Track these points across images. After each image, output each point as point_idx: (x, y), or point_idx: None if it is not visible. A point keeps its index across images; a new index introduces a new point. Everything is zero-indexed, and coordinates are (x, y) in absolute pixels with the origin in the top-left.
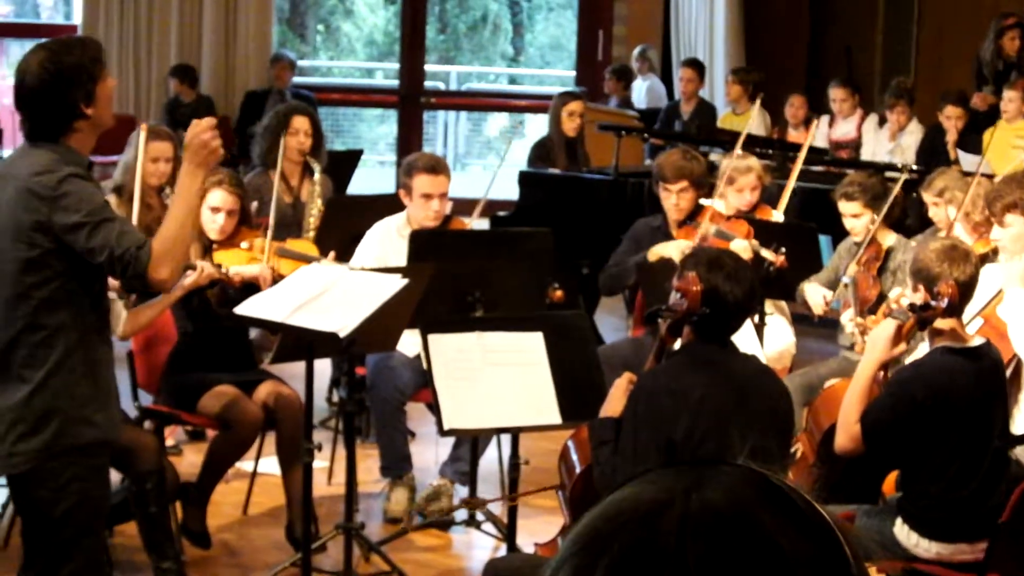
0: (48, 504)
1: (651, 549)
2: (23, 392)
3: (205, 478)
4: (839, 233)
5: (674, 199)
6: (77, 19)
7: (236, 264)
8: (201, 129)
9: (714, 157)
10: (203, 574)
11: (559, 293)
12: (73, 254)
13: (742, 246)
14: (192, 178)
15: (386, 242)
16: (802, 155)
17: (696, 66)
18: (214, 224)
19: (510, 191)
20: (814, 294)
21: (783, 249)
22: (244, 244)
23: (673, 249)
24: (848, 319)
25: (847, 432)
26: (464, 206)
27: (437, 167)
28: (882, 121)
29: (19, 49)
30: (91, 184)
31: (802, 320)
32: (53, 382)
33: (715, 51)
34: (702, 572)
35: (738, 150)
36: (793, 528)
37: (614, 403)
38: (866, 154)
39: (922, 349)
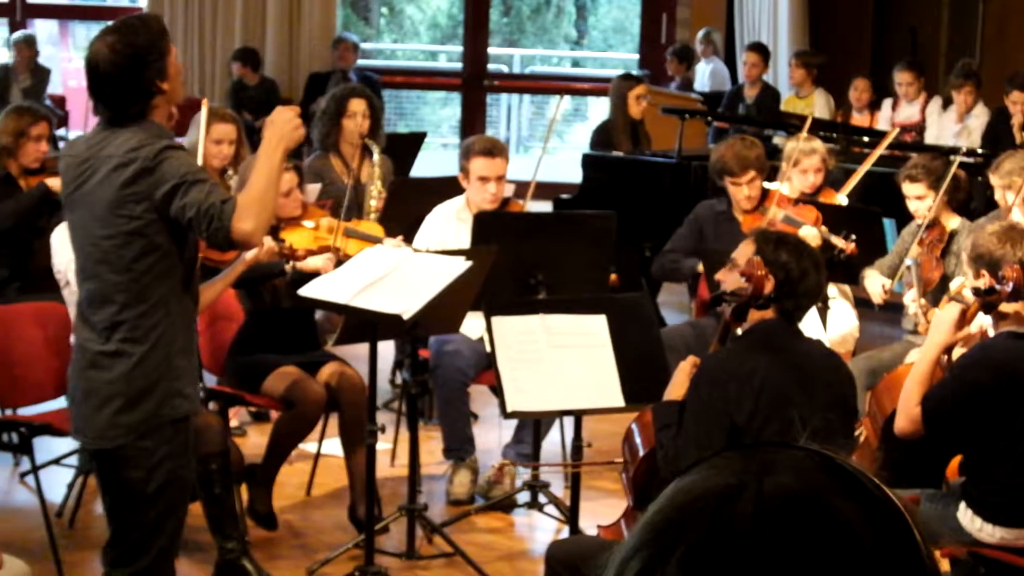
0: (140, 484)
1: (727, 535)
2: (124, 366)
3: (270, 459)
4: (903, 217)
5: (746, 190)
6: (142, 2)
7: (303, 244)
8: (288, 110)
9: (777, 140)
10: (267, 555)
11: (614, 277)
12: (172, 227)
13: (811, 233)
14: (273, 147)
15: (445, 225)
16: (884, 144)
17: (760, 50)
18: None
19: (573, 173)
20: (873, 284)
21: (853, 236)
22: (310, 223)
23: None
24: (911, 300)
25: (907, 414)
26: (526, 189)
27: (494, 150)
28: (946, 103)
29: (85, 31)
30: (185, 153)
31: (865, 304)
32: (154, 355)
33: (779, 34)
34: (778, 556)
35: (803, 133)
36: (863, 510)
37: (678, 386)
38: (930, 137)
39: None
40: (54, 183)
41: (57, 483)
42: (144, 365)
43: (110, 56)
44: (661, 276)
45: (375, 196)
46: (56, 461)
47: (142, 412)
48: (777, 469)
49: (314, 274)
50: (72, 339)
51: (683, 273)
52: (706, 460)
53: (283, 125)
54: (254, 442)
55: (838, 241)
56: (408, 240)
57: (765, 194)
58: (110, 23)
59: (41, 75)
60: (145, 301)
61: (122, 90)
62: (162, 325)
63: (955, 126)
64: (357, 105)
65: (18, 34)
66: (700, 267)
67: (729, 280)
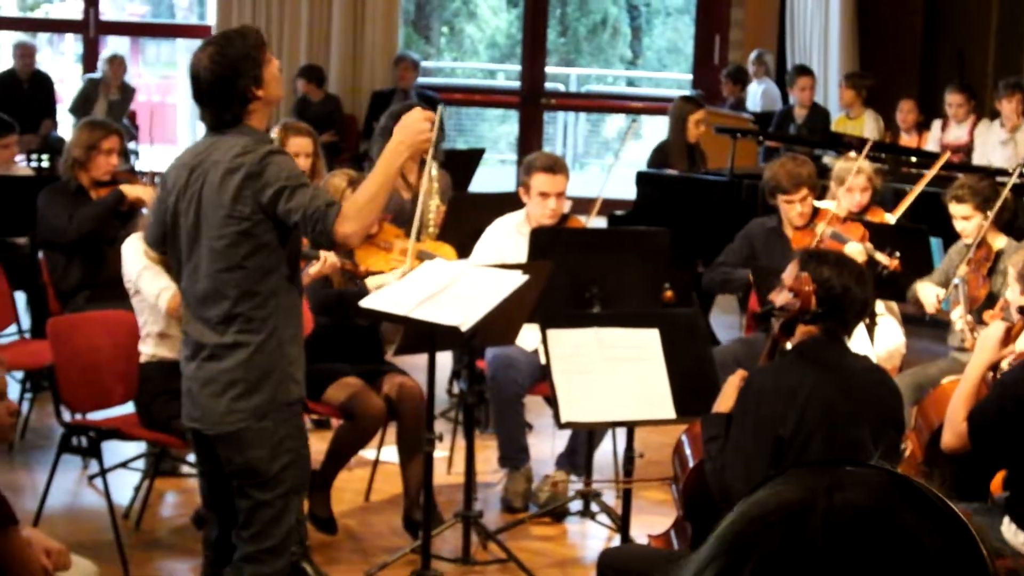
0: (265, 462)
1: (798, 549)
2: (242, 355)
3: (329, 466)
4: (950, 236)
5: (798, 207)
6: (211, 20)
7: (376, 266)
8: (422, 115)
9: (826, 160)
10: (327, 558)
11: (669, 293)
12: (277, 224)
13: (856, 249)
14: (397, 151)
15: (505, 239)
16: (937, 167)
17: (812, 74)
18: None
19: (628, 191)
20: (927, 293)
21: (897, 253)
22: (382, 243)
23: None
24: (958, 317)
25: (953, 430)
26: (582, 204)
27: (555, 167)
28: (992, 116)
29: (155, 48)
30: (287, 157)
31: (912, 320)
32: (269, 344)
33: (829, 56)
34: (848, 570)
35: (862, 157)
36: (932, 526)
37: (726, 399)
38: (978, 158)
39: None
40: (128, 189)
41: (124, 486)
42: (260, 353)
43: (208, 66)
44: (711, 287)
45: (433, 211)
46: (123, 464)
47: (260, 397)
48: (847, 485)
49: None
50: (135, 347)
51: (733, 284)
52: (777, 476)
53: (412, 129)
54: (315, 448)
55: (882, 258)
56: (464, 254)
57: (816, 212)
58: (211, 36)
59: (127, 93)
60: (257, 294)
61: (220, 97)
62: (274, 316)
63: (1003, 134)
64: None
65: (109, 52)
66: (751, 277)
67: (779, 297)
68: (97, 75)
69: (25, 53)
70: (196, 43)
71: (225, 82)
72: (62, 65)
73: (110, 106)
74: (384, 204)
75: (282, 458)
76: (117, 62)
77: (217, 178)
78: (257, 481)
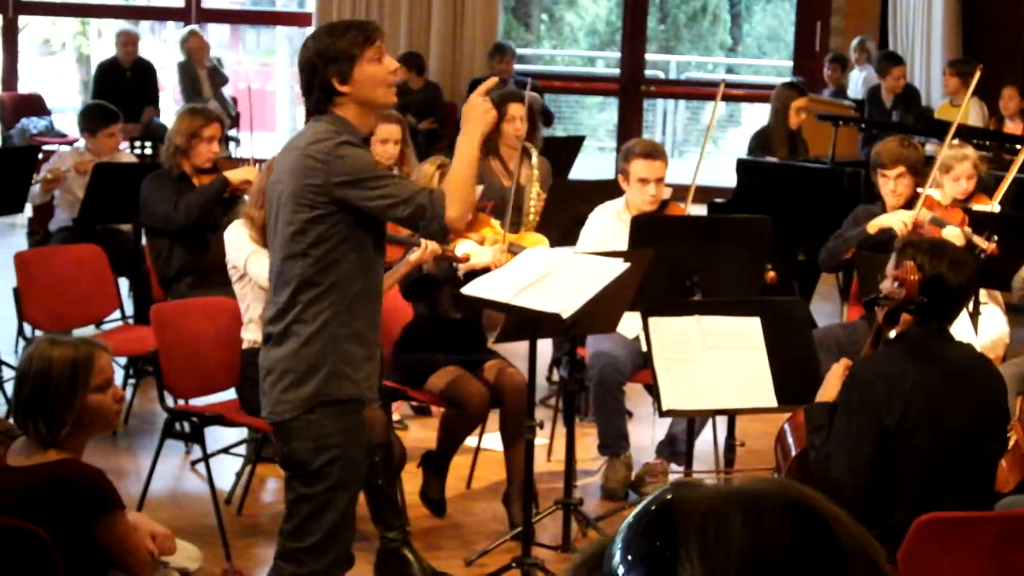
0: (308, 455)
1: None
2: (293, 345)
3: (442, 449)
4: None
5: (891, 184)
6: (311, 7)
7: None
8: (476, 93)
9: (930, 148)
10: (427, 545)
11: (771, 274)
12: (349, 216)
13: (955, 233)
14: (470, 135)
15: (606, 226)
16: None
17: (903, 62)
18: None
19: (728, 178)
20: None
21: (995, 237)
22: (475, 236)
23: (895, 220)
24: None
25: None
26: (680, 192)
27: (654, 152)
28: None
29: (255, 36)
30: (363, 151)
31: (1016, 310)
32: (321, 337)
33: (932, 42)
34: None
35: (948, 140)
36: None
37: (830, 388)
38: None
39: None
40: (232, 174)
41: (226, 471)
42: (309, 346)
43: (303, 52)
44: (828, 262)
45: (534, 198)
46: (226, 450)
47: (308, 389)
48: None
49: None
50: (237, 333)
51: (850, 241)
52: None
53: (474, 111)
54: (415, 436)
55: (980, 241)
56: (564, 240)
57: (917, 198)
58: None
59: (217, 63)
60: (317, 285)
61: (306, 83)
62: (331, 309)
63: None
64: (515, 109)
65: (183, 32)
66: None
67: (884, 286)
68: (183, 58)
69: (128, 41)
70: (295, 31)
71: (311, 70)
72: (164, 53)
73: (211, 75)
74: (474, 185)
75: (326, 453)
76: (193, 36)
77: (291, 163)
78: (300, 474)
